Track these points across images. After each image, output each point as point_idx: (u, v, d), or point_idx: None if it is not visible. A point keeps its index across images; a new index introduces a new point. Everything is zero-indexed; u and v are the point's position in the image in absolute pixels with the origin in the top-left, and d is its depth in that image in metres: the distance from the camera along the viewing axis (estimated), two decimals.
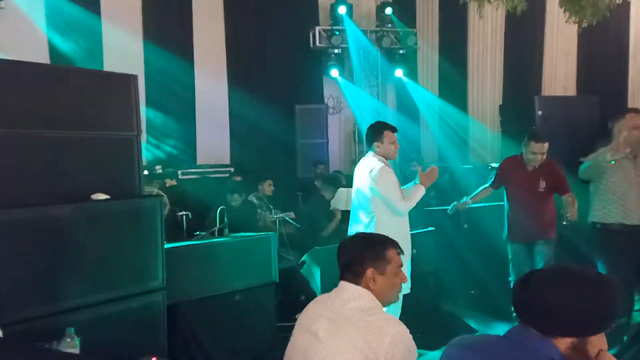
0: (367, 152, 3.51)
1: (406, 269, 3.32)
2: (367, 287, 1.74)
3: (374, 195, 3.30)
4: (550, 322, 1.24)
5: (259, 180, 5.61)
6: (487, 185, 4.24)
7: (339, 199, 5.46)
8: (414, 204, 3.36)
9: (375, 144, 3.37)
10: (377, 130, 3.40)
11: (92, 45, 6.09)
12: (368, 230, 3.23)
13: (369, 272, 1.74)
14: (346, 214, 5.37)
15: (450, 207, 4.22)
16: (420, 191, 3.37)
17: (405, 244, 3.35)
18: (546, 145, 3.81)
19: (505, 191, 4.10)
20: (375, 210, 3.31)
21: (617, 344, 3.24)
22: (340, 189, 5.69)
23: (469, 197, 4.22)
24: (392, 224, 3.29)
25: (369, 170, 3.32)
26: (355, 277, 1.75)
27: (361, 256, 1.75)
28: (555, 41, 6.72)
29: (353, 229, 3.40)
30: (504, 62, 7.14)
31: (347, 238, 1.87)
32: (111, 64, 6.02)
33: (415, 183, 3.46)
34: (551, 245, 3.89)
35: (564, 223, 3.63)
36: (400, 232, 3.32)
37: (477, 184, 5.95)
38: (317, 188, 5.65)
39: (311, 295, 3.97)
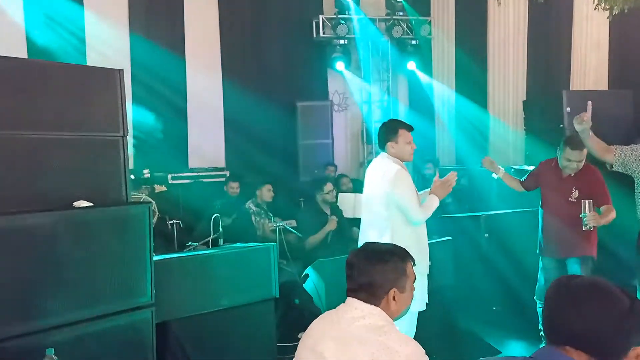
0: (378, 153, 3.49)
1: (423, 284, 3.30)
2: (386, 307, 1.76)
3: (390, 201, 3.27)
4: (580, 343, 1.23)
5: (257, 185, 5.61)
6: (520, 179, 4.18)
7: (344, 206, 5.45)
8: (430, 214, 3.33)
9: (388, 144, 3.35)
10: (391, 129, 3.37)
11: (73, 38, 6.13)
12: (383, 240, 3.21)
13: (392, 292, 1.76)
14: (354, 223, 5.39)
15: (482, 161, 4.15)
16: (435, 202, 3.35)
17: (423, 255, 3.33)
18: (584, 152, 3.72)
19: (540, 198, 4.07)
20: (390, 218, 3.28)
21: None
22: (344, 195, 5.65)
23: (505, 170, 4.13)
24: (409, 233, 3.27)
25: (383, 173, 3.30)
26: (374, 298, 1.76)
27: (384, 278, 1.76)
28: (584, 30, 6.71)
29: (365, 238, 3.37)
30: (528, 53, 7.13)
31: (358, 253, 1.83)
32: (95, 58, 6.07)
33: (430, 191, 3.42)
34: (587, 264, 3.79)
35: (583, 229, 3.60)
36: (418, 242, 3.29)
37: (498, 188, 5.94)
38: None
39: (315, 312, 3.96)
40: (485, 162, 4.14)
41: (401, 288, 1.78)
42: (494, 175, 4.14)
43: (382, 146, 3.40)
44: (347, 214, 5.40)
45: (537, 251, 4.04)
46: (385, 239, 3.21)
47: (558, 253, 3.91)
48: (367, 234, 3.39)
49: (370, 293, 1.76)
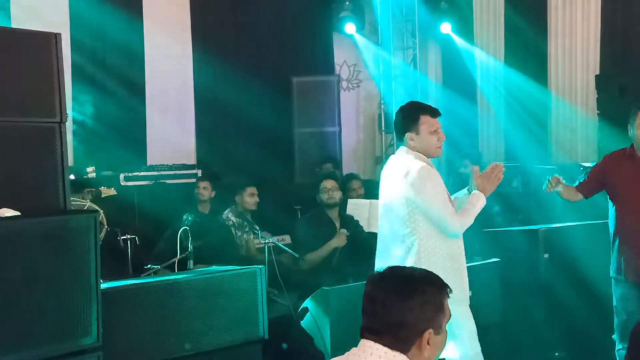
0: (398, 147, 3.53)
1: (469, 322, 3.31)
2: (418, 355, 1.76)
3: (413, 210, 3.30)
4: None
5: (237, 189, 5.62)
6: (574, 184, 4.18)
7: (365, 218, 5.46)
8: (472, 220, 3.35)
9: (407, 135, 3.39)
10: (410, 115, 3.41)
11: None
12: (407, 263, 3.22)
13: (427, 335, 1.77)
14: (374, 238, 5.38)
15: (545, 184, 4.13)
16: (480, 201, 3.37)
17: (461, 282, 3.35)
18: None
19: (609, 203, 4.07)
20: (415, 232, 3.31)
21: None
22: (355, 202, 5.65)
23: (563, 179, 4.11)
24: (441, 252, 3.30)
25: (403, 173, 3.33)
26: (402, 343, 1.76)
27: (419, 317, 1.77)
28: None
29: (382, 260, 3.40)
30: (602, 11, 7.12)
31: (382, 282, 1.83)
32: (22, 18, 6.08)
33: (469, 190, 3.46)
34: None
35: None
36: (453, 264, 3.32)
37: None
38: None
39: (317, 359, 3.96)
40: (555, 184, 4.08)
41: (437, 328, 1.79)
42: (549, 190, 4.10)
43: (401, 138, 3.46)
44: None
45: (612, 274, 4.04)
46: (410, 262, 3.23)
47: (636, 275, 3.90)
48: (385, 255, 3.42)
49: (399, 337, 1.76)
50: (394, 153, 3.58)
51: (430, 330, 1.77)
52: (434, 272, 3.02)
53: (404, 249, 3.33)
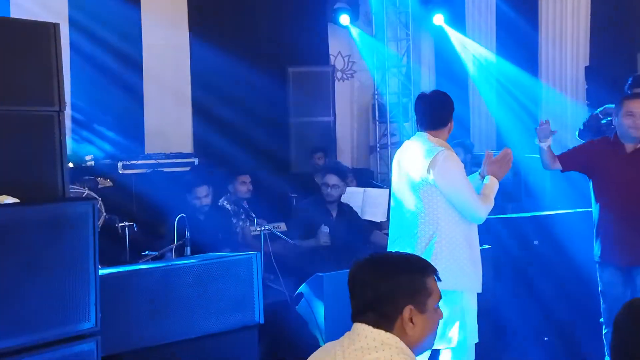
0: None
1: (474, 312, 3.35)
2: (402, 333, 1.75)
3: (434, 196, 3.27)
4: None
5: (230, 178, 5.62)
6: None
7: (359, 206, 5.48)
8: (492, 205, 3.35)
9: (449, 125, 3.48)
10: (452, 108, 3.52)
11: None
12: (426, 250, 3.21)
13: (407, 312, 1.75)
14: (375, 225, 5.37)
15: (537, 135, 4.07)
16: (495, 187, 3.39)
17: (477, 270, 3.36)
18: None
19: (592, 189, 4.08)
20: (437, 220, 3.27)
21: None
22: (349, 189, 5.67)
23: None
24: (460, 239, 3.28)
25: (425, 157, 3.28)
26: (384, 320, 1.76)
27: (395, 290, 1.76)
28: None
29: (397, 248, 3.35)
30: (592, 3, 7.12)
31: (363, 263, 1.85)
32: (21, 8, 6.04)
33: (480, 174, 3.47)
34: None
35: None
36: (471, 252, 3.32)
37: (552, 180, 5.93)
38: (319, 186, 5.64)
39: (311, 344, 3.97)
40: (543, 126, 4.06)
41: (420, 306, 1.77)
42: (538, 142, 4.07)
43: (436, 125, 3.45)
44: (367, 216, 5.46)
45: (595, 258, 4.05)
46: (428, 249, 3.22)
47: (620, 260, 3.91)
48: (400, 243, 3.37)
49: (380, 313, 1.76)
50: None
51: (411, 307, 1.75)
52: (454, 259, 3.12)
53: (423, 237, 3.29)
